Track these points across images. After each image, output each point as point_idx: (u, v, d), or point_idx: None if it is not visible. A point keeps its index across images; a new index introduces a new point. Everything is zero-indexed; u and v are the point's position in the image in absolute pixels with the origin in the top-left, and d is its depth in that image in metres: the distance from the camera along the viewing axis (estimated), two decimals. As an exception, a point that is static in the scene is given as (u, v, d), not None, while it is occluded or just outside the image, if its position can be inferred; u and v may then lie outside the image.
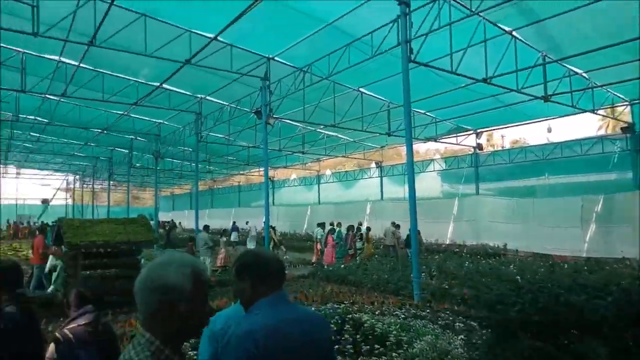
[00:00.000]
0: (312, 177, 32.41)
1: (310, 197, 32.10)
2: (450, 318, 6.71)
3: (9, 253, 19.15)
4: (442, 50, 10.13)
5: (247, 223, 24.01)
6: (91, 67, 13.55)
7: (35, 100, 16.50)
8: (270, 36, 11.75)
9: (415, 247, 8.71)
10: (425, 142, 21.77)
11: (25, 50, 12.43)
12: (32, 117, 19.45)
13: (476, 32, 10.09)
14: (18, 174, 39.44)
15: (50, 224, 15.74)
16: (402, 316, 6.68)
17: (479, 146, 21.11)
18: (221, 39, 10.91)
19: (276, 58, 12.96)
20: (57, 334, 2.84)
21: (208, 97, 16.65)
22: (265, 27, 11.10)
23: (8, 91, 14.38)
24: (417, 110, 16.79)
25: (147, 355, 1.41)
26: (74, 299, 3.09)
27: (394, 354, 4.90)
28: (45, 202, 41.04)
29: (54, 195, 42.51)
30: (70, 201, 44.14)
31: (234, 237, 20.92)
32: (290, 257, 18.14)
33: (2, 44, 11.78)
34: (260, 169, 31.40)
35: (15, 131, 22.95)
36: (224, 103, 17.23)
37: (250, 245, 18.93)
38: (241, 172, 35.87)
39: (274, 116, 13.98)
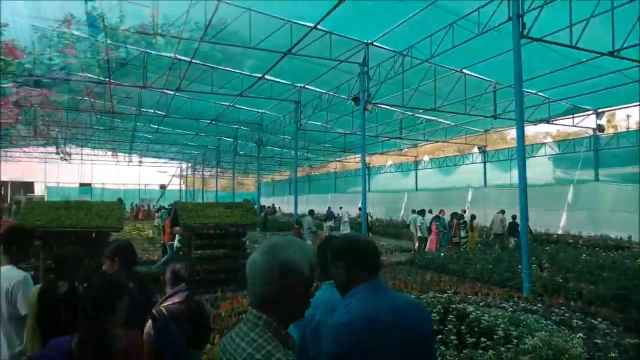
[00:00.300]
0: (410, 163, 31.76)
1: (407, 184, 31.51)
2: (566, 314, 6.19)
3: (133, 232, 21.50)
4: (557, 23, 9.23)
5: (340, 208, 24.30)
6: (201, 62, 14.51)
7: (154, 95, 18.17)
8: (368, 21, 11.62)
9: (525, 236, 8.14)
10: (535, 125, 20.13)
11: (146, 50, 13.69)
12: (152, 111, 21.48)
13: (601, 0, 8.99)
14: (140, 162, 43.95)
15: (167, 207, 17.29)
16: (510, 309, 6.32)
17: (600, 128, 18.98)
18: (320, 27, 11.03)
19: (375, 43, 12.80)
20: (153, 311, 3.01)
21: (307, 86, 17.00)
22: (363, 12, 10.99)
23: (132, 88, 15.99)
24: (527, 90, 15.55)
25: (270, 336, 1.44)
26: (169, 277, 3.23)
27: (502, 348, 4.65)
28: (162, 187, 45.34)
29: (170, 181, 46.76)
30: (183, 186, 48.26)
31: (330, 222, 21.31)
32: (386, 243, 18.05)
33: (127, 46, 13.12)
34: (356, 156, 31.47)
35: (138, 124, 25.55)
36: (322, 91, 17.47)
37: (344, 230, 19.15)
38: (337, 159, 36.31)
39: (372, 102, 13.87)
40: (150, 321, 2.97)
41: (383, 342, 1.73)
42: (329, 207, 25.84)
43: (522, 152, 8.59)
